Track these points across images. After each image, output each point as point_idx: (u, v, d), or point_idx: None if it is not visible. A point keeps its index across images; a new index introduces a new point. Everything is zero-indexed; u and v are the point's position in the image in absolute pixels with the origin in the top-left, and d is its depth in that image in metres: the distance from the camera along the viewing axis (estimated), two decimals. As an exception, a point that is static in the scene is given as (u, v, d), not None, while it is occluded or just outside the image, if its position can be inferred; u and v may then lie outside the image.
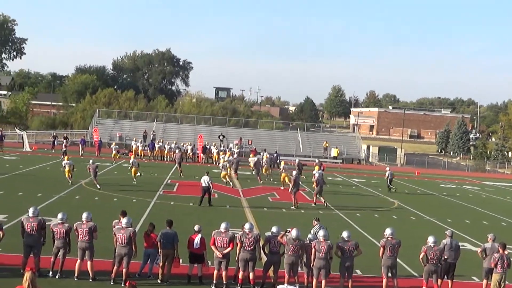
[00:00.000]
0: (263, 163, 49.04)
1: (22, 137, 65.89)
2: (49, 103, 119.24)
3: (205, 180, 32.37)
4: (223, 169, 42.96)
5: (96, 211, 23.56)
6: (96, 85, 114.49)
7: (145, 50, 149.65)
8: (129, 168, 43.09)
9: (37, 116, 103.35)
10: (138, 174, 41.07)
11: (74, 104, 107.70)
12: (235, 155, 54.90)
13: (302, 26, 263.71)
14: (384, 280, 17.90)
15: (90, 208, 22.43)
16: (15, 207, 27.33)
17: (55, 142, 63.76)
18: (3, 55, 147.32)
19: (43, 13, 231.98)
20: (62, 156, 50.73)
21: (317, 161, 51.40)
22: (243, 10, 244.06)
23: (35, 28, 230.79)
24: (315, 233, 19.17)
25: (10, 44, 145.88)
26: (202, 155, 62.30)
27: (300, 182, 36.56)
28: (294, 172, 36.12)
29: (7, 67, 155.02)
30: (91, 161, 37.44)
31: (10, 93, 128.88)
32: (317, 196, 35.28)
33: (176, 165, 48.91)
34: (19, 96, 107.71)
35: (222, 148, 63.15)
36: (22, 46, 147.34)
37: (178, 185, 40.56)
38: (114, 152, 54.79)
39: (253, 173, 48.64)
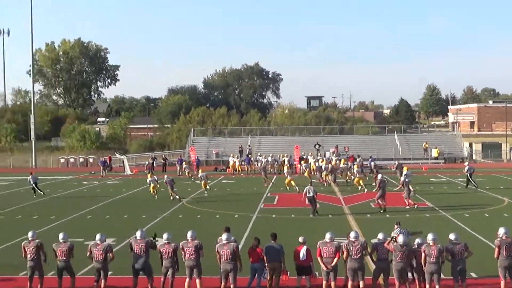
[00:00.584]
0: (351, 168, 50.45)
1: (123, 161, 67.39)
2: (145, 126, 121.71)
3: (310, 190, 32.24)
4: (288, 175, 44.24)
5: (200, 229, 23.67)
6: (189, 104, 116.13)
7: (234, 66, 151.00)
8: (201, 182, 43.56)
9: (135, 139, 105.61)
10: (208, 187, 42.89)
11: (169, 125, 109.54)
12: (338, 163, 54.06)
13: (391, 27, 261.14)
14: (502, 282, 17.19)
15: (194, 226, 22.55)
16: (122, 230, 27.81)
17: (154, 164, 64.93)
18: (99, 83, 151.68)
19: (132, 39, 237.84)
20: (147, 172, 52.49)
21: (396, 163, 52.56)
22: (329, 19, 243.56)
23: (126, 54, 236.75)
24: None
25: (104, 72, 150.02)
26: (299, 165, 62.08)
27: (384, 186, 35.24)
28: (380, 176, 35.59)
29: (103, 94, 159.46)
30: (165, 176, 40.85)
31: (107, 119, 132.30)
32: (379, 200, 33.97)
33: (263, 176, 49.41)
34: (117, 121, 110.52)
35: (318, 157, 62.70)
36: (115, 73, 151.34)
37: (278, 198, 40.43)
38: (187, 170, 56.60)
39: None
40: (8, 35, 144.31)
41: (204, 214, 33.42)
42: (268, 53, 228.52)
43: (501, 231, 17.41)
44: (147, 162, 67.69)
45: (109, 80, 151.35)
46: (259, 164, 58.13)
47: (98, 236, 18.02)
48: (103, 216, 33.33)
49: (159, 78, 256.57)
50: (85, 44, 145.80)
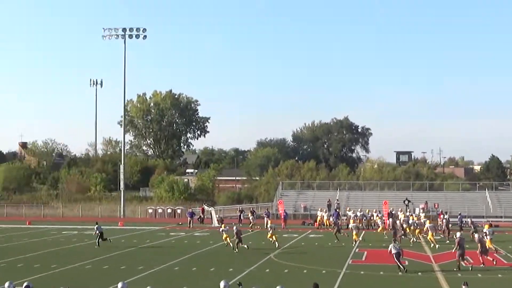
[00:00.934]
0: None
1: (211, 213, 67.49)
2: (234, 178, 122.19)
3: (393, 247, 31.49)
4: (354, 230, 45.33)
5: (287, 284, 23.04)
6: (277, 157, 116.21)
7: (323, 120, 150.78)
8: (269, 233, 44.05)
9: (223, 191, 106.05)
10: (274, 238, 43.10)
11: (257, 178, 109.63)
12: (423, 220, 52.95)
13: (480, 83, 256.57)
14: None
15: (281, 282, 21.95)
16: (209, 283, 27.42)
17: (242, 216, 64.70)
18: (188, 135, 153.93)
19: (222, 92, 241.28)
20: (220, 224, 52.67)
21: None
22: (414, 70, 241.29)
23: (216, 106, 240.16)
24: None
25: (194, 124, 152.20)
26: (388, 221, 60.71)
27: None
28: (458, 234, 34.72)
29: (193, 146, 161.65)
30: (234, 226, 42.47)
31: (196, 171, 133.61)
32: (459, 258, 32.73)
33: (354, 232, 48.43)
34: (205, 173, 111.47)
35: (408, 213, 61.22)
36: (205, 124, 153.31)
37: (366, 254, 39.46)
38: (252, 222, 56.86)
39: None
40: (101, 86, 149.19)
41: (291, 268, 32.77)
42: (358, 107, 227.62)
43: None
44: (218, 215, 67.57)
45: (198, 132, 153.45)
46: (349, 218, 57.44)
47: None
48: (189, 268, 33.09)
49: (248, 130, 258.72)
50: (176, 96, 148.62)
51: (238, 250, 39.75)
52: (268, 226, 44.74)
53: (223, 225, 45.25)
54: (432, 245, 42.74)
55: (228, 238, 41.33)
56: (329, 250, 40.17)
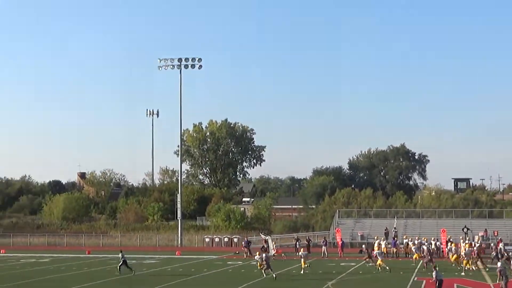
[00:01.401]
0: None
1: (267, 242, 67.43)
2: (290, 206, 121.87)
3: (434, 274, 32.30)
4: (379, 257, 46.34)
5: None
6: (334, 185, 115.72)
7: (380, 147, 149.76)
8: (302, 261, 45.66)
9: (279, 220, 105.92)
10: (306, 265, 45.41)
11: (314, 206, 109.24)
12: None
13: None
14: None
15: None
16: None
17: (298, 245, 64.47)
18: (244, 164, 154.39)
19: (277, 120, 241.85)
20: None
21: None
22: (470, 96, 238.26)
23: (271, 135, 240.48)
24: None
25: (250, 152, 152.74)
26: (446, 249, 59.82)
27: None
28: (499, 264, 34.55)
29: (248, 174, 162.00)
30: (264, 254, 43.42)
31: (252, 199, 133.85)
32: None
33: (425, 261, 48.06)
34: (262, 202, 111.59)
35: (467, 241, 60.27)
36: (261, 153, 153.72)
37: (425, 283, 38.94)
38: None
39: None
40: (157, 116, 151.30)
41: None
42: (414, 134, 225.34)
43: None
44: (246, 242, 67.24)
45: (254, 161, 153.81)
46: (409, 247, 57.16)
47: None
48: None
49: (304, 158, 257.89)
50: (231, 125, 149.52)
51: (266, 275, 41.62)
52: (300, 253, 47.69)
53: (258, 253, 46.74)
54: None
55: (261, 266, 43.14)
56: (387, 278, 39.73)
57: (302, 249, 51.29)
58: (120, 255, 46.05)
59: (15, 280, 42.12)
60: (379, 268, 45.57)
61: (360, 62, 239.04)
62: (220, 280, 41.40)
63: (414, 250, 55.79)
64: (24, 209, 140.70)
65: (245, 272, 46.56)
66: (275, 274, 40.80)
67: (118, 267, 45.15)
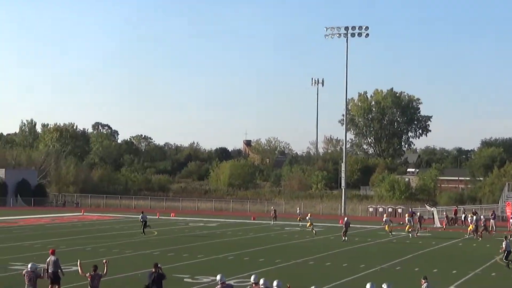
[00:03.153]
0: None
1: (432, 213, 66.21)
2: (456, 178, 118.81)
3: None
4: None
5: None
6: (503, 157, 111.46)
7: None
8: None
9: (445, 191, 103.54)
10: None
11: (481, 178, 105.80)
12: None
13: None
14: None
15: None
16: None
17: (463, 217, 62.82)
18: (409, 134, 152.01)
19: (445, 90, 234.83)
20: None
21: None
22: None
23: (438, 105, 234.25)
24: None
25: (415, 122, 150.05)
26: None
27: None
28: None
29: (413, 145, 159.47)
30: None
31: (417, 170, 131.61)
32: None
33: None
34: (427, 173, 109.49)
35: None
36: (427, 123, 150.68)
37: None
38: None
39: None
40: (323, 85, 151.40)
41: (518, 274, 31.34)
42: None
43: None
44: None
45: (420, 131, 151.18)
46: None
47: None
48: (412, 268, 32.69)
49: (472, 129, 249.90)
50: (397, 95, 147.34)
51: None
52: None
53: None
54: None
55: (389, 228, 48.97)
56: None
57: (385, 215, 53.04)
58: (140, 217, 49.80)
59: (186, 242, 43.87)
60: None
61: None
62: (386, 250, 41.06)
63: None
64: (192, 174, 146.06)
65: (410, 243, 45.94)
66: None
67: (142, 229, 48.55)
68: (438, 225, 62.53)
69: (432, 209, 68.48)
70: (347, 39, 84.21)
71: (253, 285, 18.57)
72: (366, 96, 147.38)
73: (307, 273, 30.34)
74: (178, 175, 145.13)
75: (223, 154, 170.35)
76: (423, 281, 20.22)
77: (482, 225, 51.37)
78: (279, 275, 29.64)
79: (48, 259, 23.18)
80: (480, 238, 48.93)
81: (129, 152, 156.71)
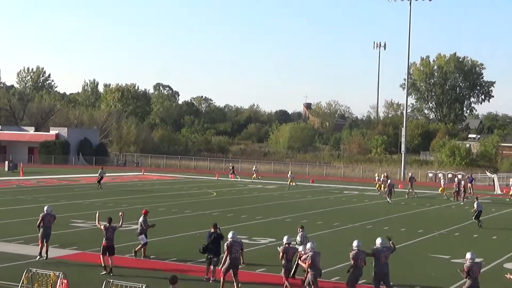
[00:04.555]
0: None
1: (493, 180, 65.37)
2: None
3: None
4: None
5: None
6: None
7: None
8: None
9: (506, 158, 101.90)
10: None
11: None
12: None
13: None
14: None
15: None
16: (491, 252, 26.66)
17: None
18: (472, 99, 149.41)
19: (508, 56, 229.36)
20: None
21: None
22: None
23: (502, 70, 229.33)
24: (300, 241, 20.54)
25: (478, 88, 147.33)
26: None
27: None
28: None
29: (475, 110, 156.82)
30: None
31: (479, 136, 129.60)
32: None
33: None
34: (488, 139, 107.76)
35: None
36: (490, 89, 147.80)
37: None
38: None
39: None
40: (384, 48, 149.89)
41: None
42: None
43: None
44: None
45: (482, 97, 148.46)
46: None
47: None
48: (470, 235, 32.47)
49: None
50: (460, 59, 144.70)
51: None
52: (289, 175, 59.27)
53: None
54: None
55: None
56: None
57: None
58: (99, 172, 52.47)
59: (244, 204, 44.34)
60: None
61: None
62: (441, 216, 40.81)
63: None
64: (252, 136, 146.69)
65: (469, 210, 45.48)
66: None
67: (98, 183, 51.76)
68: (499, 191, 61.73)
69: (493, 176, 67.57)
70: (410, 2, 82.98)
71: (287, 245, 19.14)
72: (429, 60, 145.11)
73: (364, 236, 30.35)
74: (238, 137, 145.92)
75: (283, 116, 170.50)
76: (299, 229, 21.46)
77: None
78: (333, 238, 29.87)
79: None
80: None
81: (190, 113, 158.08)
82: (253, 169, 69.44)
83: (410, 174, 59.68)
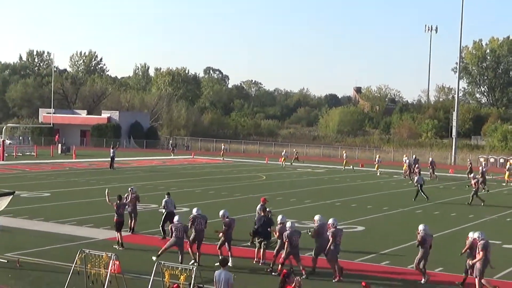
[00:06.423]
0: None
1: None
2: None
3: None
4: None
5: None
6: None
7: None
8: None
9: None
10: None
11: None
12: None
13: None
14: None
15: None
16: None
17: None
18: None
19: None
20: None
21: None
22: None
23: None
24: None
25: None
26: None
27: None
28: None
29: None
30: None
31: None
32: None
33: None
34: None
35: None
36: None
37: None
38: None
39: None
40: (436, 32, 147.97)
41: None
42: None
43: None
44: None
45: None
46: None
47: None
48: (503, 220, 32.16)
49: None
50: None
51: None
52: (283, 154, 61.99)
53: None
54: None
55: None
56: None
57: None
58: (111, 151, 54.66)
59: (294, 188, 44.50)
60: None
61: None
62: (490, 202, 40.32)
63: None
64: (301, 120, 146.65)
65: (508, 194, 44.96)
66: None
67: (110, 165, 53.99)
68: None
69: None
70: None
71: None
72: (481, 44, 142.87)
73: (413, 221, 30.22)
74: (287, 121, 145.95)
75: (332, 100, 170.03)
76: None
77: None
78: (380, 223, 29.86)
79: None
80: None
81: (239, 97, 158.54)
82: (283, 153, 67.26)
83: (430, 159, 59.25)
